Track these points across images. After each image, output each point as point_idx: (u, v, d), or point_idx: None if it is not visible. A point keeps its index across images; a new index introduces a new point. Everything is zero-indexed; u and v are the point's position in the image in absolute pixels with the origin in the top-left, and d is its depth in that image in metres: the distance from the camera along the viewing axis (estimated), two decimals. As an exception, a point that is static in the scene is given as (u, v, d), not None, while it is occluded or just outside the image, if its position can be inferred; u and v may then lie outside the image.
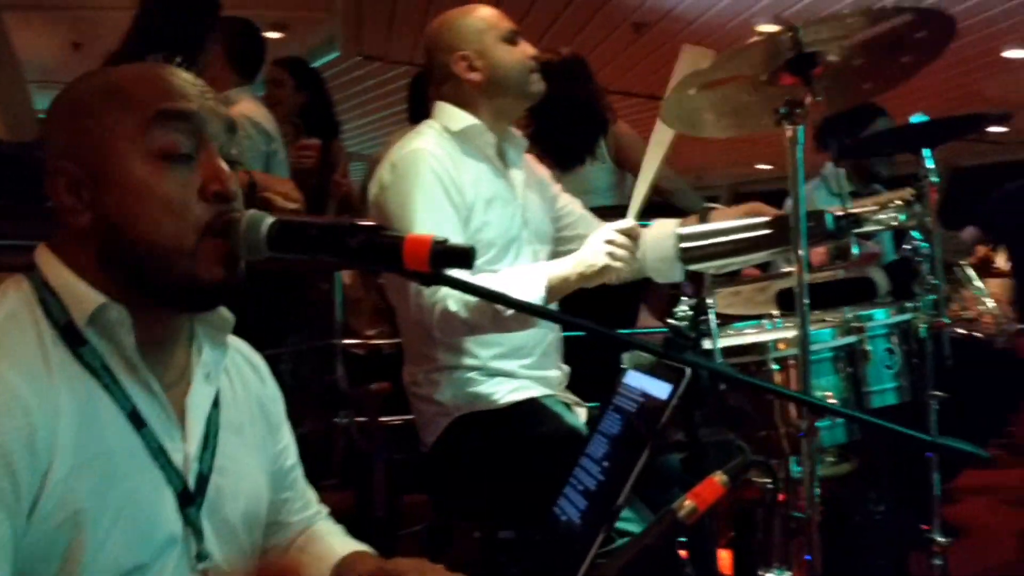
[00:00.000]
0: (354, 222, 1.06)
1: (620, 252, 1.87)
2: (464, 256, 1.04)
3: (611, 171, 3.59)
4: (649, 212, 2.45)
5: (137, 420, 1.07)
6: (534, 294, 1.88)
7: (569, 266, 1.91)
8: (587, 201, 2.55)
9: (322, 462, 2.97)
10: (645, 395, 1.22)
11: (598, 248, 1.89)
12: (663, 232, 2.30)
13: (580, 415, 2.20)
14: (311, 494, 1.43)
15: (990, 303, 3.10)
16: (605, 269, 1.87)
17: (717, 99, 1.82)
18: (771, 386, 1.79)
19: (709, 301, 1.67)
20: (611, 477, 1.18)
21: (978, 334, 3.38)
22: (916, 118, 2.39)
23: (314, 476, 1.44)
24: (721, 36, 5.51)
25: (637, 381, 1.26)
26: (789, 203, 3.64)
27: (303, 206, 3.23)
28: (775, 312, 2.34)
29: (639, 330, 3.53)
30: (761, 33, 5.34)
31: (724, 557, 2.45)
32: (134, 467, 1.06)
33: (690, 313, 1.64)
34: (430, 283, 1.06)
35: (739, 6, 5.03)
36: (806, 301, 1.62)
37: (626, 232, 1.89)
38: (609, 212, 3.47)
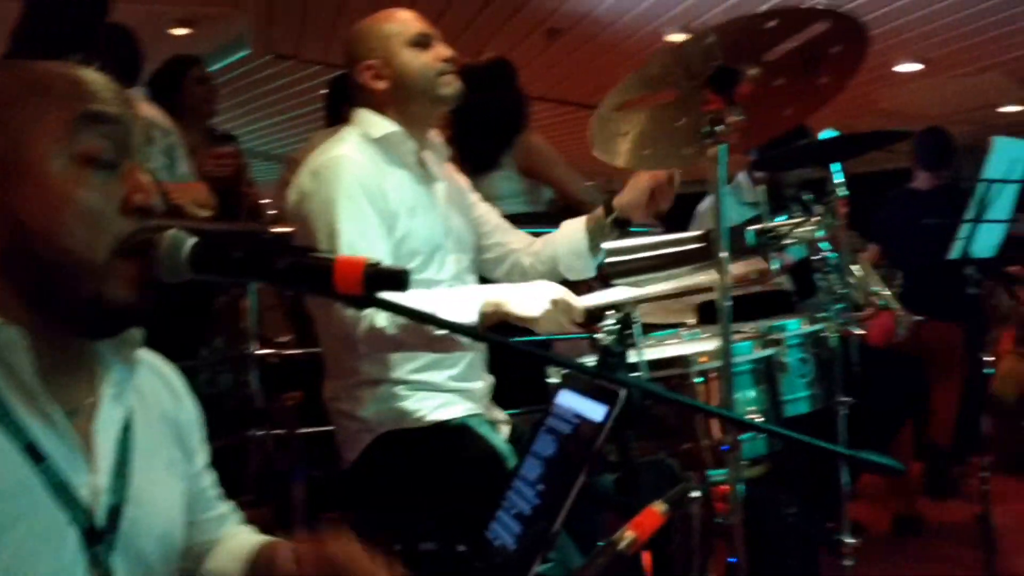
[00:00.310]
0: (282, 241, 1.03)
1: (558, 318, 1.84)
2: (398, 279, 1.02)
3: (516, 178, 3.58)
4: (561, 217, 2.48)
5: (35, 454, 0.98)
6: (467, 318, 1.85)
7: (503, 296, 1.88)
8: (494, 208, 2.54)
9: (236, 477, 2.89)
10: (579, 417, 1.21)
11: (541, 300, 1.85)
12: (574, 228, 2.32)
13: (504, 432, 2.20)
14: (232, 513, 1.38)
15: (891, 300, 3.23)
16: (533, 321, 1.84)
17: (639, 126, 1.83)
18: (702, 405, 1.81)
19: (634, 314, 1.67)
20: (546, 501, 1.17)
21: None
22: (825, 134, 2.47)
23: (228, 492, 1.39)
24: (633, 43, 5.60)
25: (570, 401, 1.26)
26: (702, 206, 3.71)
27: (215, 212, 3.17)
28: (691, 320, 2.38)
29: (562, 336, 3.55)
30: (670, 42, 5.49)
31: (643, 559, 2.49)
32: (30, 507, 0.96)
33: (616, 327, 1.64)
34: (362, 306, 1.04)
35: (650, 15, 5.11)
36: (728, 315, 1.64)
37: (573, 309, 1.85)
38: (523, 219, 3.50)
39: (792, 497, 2.79)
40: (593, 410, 1.18)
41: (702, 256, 1.70)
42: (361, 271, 1.00)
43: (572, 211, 3.94)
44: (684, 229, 3.13)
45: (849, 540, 2.37)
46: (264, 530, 1.35)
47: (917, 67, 5.84)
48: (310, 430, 2.94)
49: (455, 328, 1.24)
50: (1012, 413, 5.56)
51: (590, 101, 7.16)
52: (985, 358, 3.54)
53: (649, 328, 2.28)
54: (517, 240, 2.40)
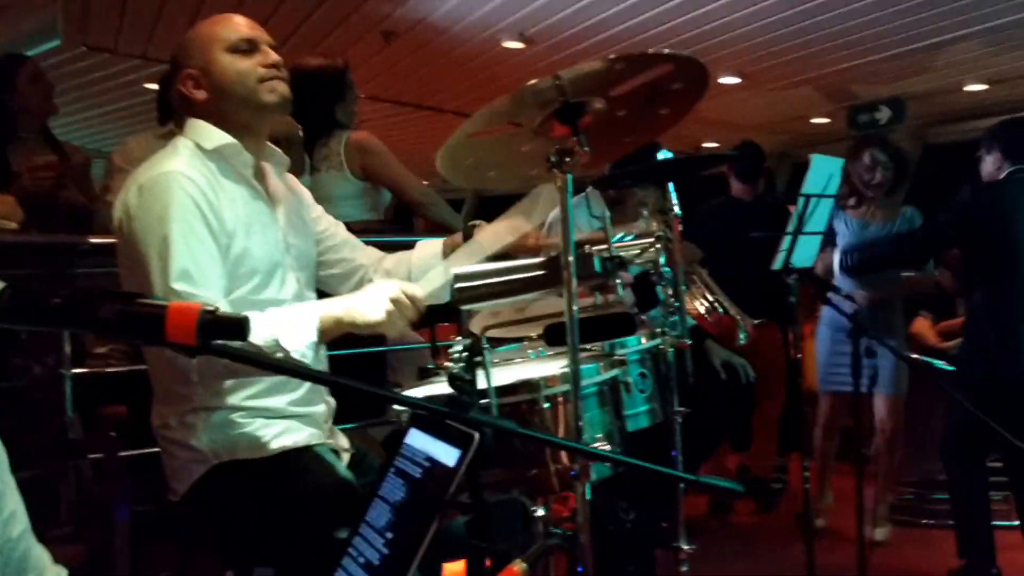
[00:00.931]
0: (103, 291, 0.95)
1: (400, 313, 1.80)
2: (237, 328, 0.96)
3: (351, 180, 3.51)
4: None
5: None
6: (306, 338, 1.77)
7: (341, 309, 1.82)
8: (326, 208, 2.45)
9: (50, 509, 2.67)
10: (431, 460, 1.17)
11: (378, 302, 1.80)
12: (430, 252, 2.27)
13: (345, 459, 2.13)
14: (45, 558, 1.26)
15: (730, 306, 3.36)
16: (379, 325, 1.79)
17: (490, 150, 1.81)
18: (555, 439, 1.80)
19: (484, 341, 1.65)
20: (396, 551, 1.13)
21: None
22: (662, 154, 2.53)
23: (41, 526, 1.26)
24: (468, 49, 5.60)
25: (421, 443, 1.22)
26: (551, 216, 3.75)
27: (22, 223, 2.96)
28: (534, 334, 2.39)
29: (402, 346, 3.50)
30: (508, 49, 5.53)
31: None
32: None
33: (465, 354, 1.62)
34: (196, 355, 0.97)
35: (486, 22, 5.11)
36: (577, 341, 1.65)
37: (412, 297, 1.83)
38: (360, 225, 3.42)
39: (629, 504, 2.85)
40: (445, 453, 1.15)
41: (551, 282, 1.70)
42: (195, 319, 0.94)
43: (410, 213, 3.94)
44: None
45: (686, 547, 2.44)
46: (80, 570, 1.24)
47: (736, 80, 6.12)
48: (134, 452, 2.76)
49: (296, 372, 1.17)
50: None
51: (426, 102, 7.13)
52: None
53: (493, 344, 2.28)
54: (365, 256, 2.33)
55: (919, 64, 5.65)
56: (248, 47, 2.02)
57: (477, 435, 1.10)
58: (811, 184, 3.29)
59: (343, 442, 2.21)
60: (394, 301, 1.80)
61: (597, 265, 1.71)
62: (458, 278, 1.76)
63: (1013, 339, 3.38)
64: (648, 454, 2.50)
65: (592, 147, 1.65)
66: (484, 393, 1.64)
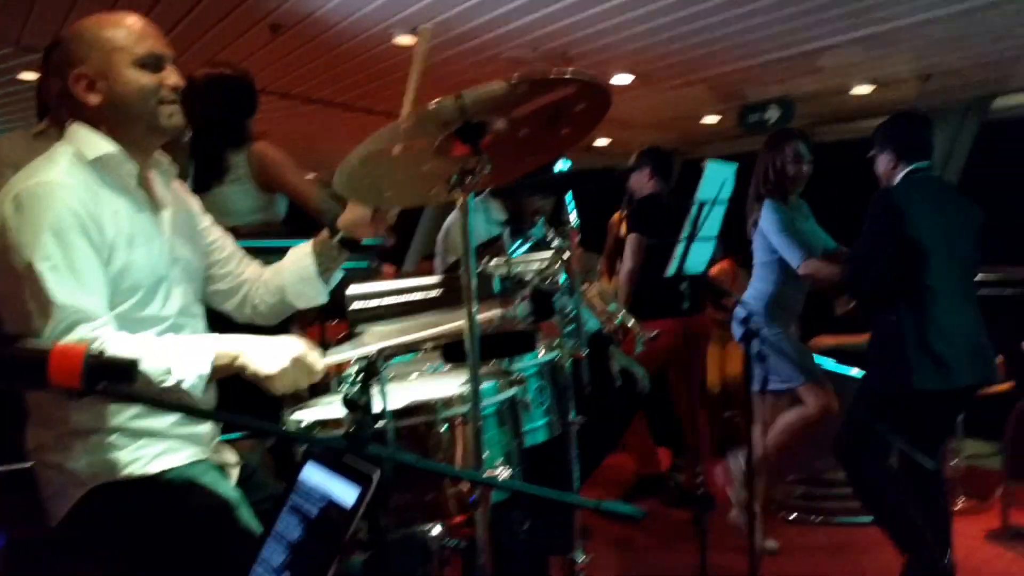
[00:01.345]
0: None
1: (295, 374, 1.73)
2: (125, 371, 0.90)
3: (253, 193, 3.41)
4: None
5: None
6: (197, 369, 1.71)
7: (240, 349, 1.75)
8: (226, 223, 2.39)
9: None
10: (328, 499, 1.13)
11: (278, 356, 1.73)
12: (301, 253, 2.22)
13: (234, 476, 2.05)
14: None
15: (628, 318, 3.39)
16: (269, 379, 1.72)
17: (389, 169, 1.76)
18: (452, 471, 1.77)
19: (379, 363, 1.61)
20: (294, 595, 1.08)
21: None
22: (561, 166, 2.53)
23: None
24: (359, 43, 5.48)
25: (317, 479, 1.17)
26: (449, 220, 3.70)
27: None
28: (431, 344, 2.36)
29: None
30: (400, 45, 5.44)
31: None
32: None
33: (360, 376, 1.57)
34: (81, 397, 0.91)
35: (378, 16, 5.02)
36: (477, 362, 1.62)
37: (314, 369, 1.75)
38: (257, 229, 3.32)
39: (524, 513, 2.85)
40: (343, 492, 1.11)
41: (447, 301, 1.67)
42: (80, 363, 0.88)
43: (311, 219, 3.85)
44: None
45: (581, 557, 2.45)
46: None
47: (630, 79, 6.18)
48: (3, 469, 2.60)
49: (191, 411, 1.11)
50: (717, 403, 6.10)
51: (315, 95, 6.97)
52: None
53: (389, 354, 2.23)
54: (251, 271, 2.26)
55: (807, 66, 5.80)
56: (155, 63, 1.93)
57: (376, 474, 1.06)
58: (705, 190, 3.34)
59: (230, 457, 2.14)
60: (295, 360, 1.74)
61: (496, 285, 1.69)
62: (352, 298, 1.71)
63: (923, 349, 3.32)
64: (545, 464, 2.53)
65: (493, 165, 1.63)
66: (380, 416, 1.60)
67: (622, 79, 6.18)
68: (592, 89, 1.60)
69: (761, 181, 4.14)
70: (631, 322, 3.06)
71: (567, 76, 1.53)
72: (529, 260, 2.09)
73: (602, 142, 9.01)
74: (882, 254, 3.38)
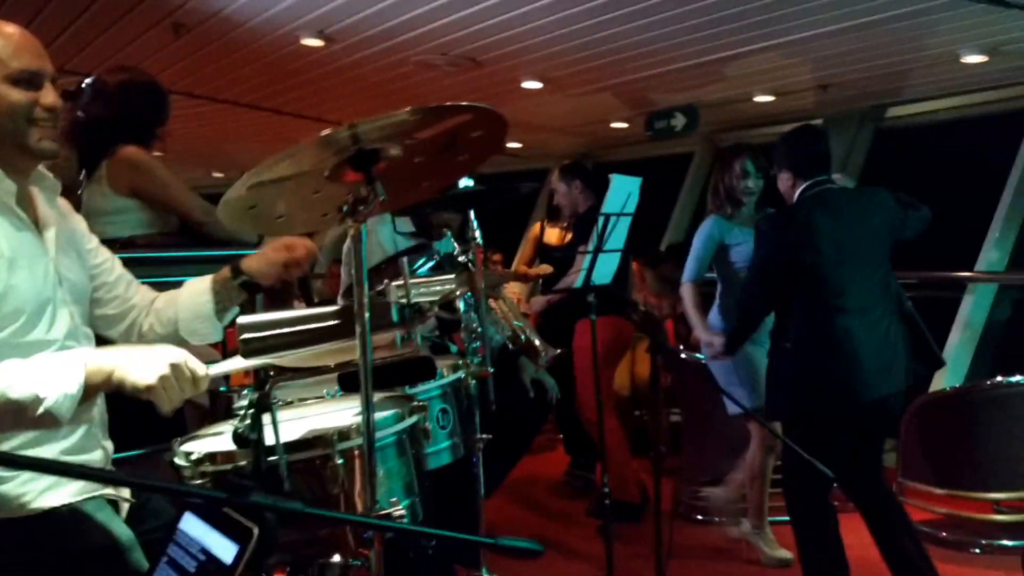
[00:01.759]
0: None
1: (176, 384, 1.62)
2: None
3: (108, 195, 3.22)
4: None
5: None
6: (64, 388, 1.61)
7: (113, 361, 1.65)
8: (90, 225, 2.26)
9: None
10: (206, 552, 1.08)
11: (155, 365, 1.62)
12: (198, 289, 2.13)
13: (125, 508, 1.97)
14: None
15: (531, 333, 3.40)
16: (149, 391, 1.60)
17: (277, 194, 1.71)
18: (353, 518, 1.71)
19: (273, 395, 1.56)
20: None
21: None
22: (463, 183, 2.51)
23: None
24: (266, 44, 5.36)
25: (197, 531, 1.12)
26: (347, 244, 3.63)
27: None
28: (331, 363, 2.31)
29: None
30: (308, 47, 5.34)
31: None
32: None
33: (250, 411, 1.52)
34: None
35: (284, 18, 4.92)
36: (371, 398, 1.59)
37: (197, 376, 1.65)
38: (145, 240, 3.20)
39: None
40: (222, 547, 1.06)
41: (344, 332, 1.62)
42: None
43: (194, 231, 3.71)
44: None
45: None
46: None
47: (539, 85, 6.20)
48: None
49: (55, 468, 1.04)
50: (627, 404, 6.17)
51: (222, 96, 6.80)
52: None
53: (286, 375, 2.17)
54: (140, 297, 2.16)
55: (712, 75, 5.91)
56: (32, 79, 1.83)
57: (256, 530, 1.02)
58: (611, 203, 3.36)
59: (123, 491, 2.04)
60: (173, 367, 1.62)
61: (395, 314, 1.66)
62: (244, 328, 1.65)
63: (831, 368, 3.29)
64: (451, 480, 2.51)
65: (388, 191, 1.59)
66: (272, 450, 1.55)
67: (531, 85, 6.21)
68: (488, 117, 1.58)
69: (711, 196, 4.24)
70: (536, 340, 3.07)
71: (463, 104, 1.51)
72: (431, 284, 2.06)
73: (514, 145, 9.04)
74: (768, 294, 3.43)
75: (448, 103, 1.46)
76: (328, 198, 1.65)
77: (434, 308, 1.90)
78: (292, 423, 1.84)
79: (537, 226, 5.77)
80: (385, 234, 3.38)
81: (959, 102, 6.49)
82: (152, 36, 5.21)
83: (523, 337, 3.18)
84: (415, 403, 1.87)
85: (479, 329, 2.52)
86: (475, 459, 2.48)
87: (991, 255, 6.10)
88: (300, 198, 1.72)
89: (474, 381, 2.34)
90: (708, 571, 4.20)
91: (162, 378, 1.60)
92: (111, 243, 2.38)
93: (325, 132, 1.47)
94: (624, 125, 7.83)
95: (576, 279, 4.48)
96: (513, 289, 5.85)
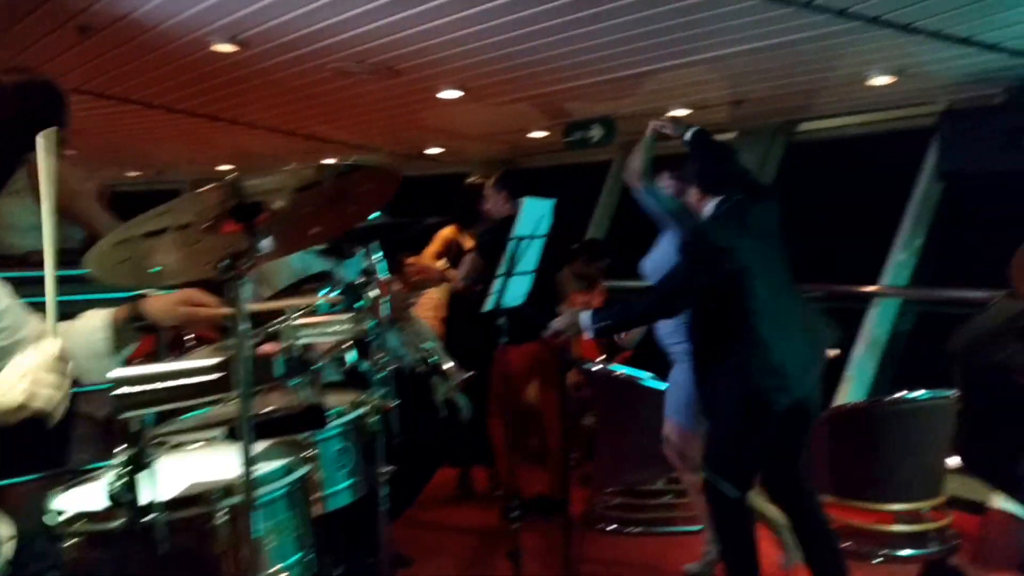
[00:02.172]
0: None
1: (44, 387, 1.49)
2: None
3: (32, 208, 3.10)
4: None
5: None
6: None
7: None
8: (7, 238, 2.14)
9: None
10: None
11: (13, 380, 1.49)
12: (94, 326, 2.02)
13: (7, 551, 1.87)
14: None
15: (443, 356, 3.37)
16: (23, 409, 1.49)
17: (152, 246, 1.64)
18: None
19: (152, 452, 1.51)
20: None
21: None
22: (372, 217, 2.46)
23: None
24: (177, 48, 5.22)
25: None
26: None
27: None
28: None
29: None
30: (219, 52, 5.22)
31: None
32: None
33: (127, 468, 1.46)
34: None
35: (196, 23, 4.78)
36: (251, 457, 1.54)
37: (54, 358, 1.52)
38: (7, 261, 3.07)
39: (338, 558, 2.79)
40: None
41: (223, 387, 1.57)
42: None
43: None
44: None
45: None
46: None
47: (458, 94, 6.17)
48: None
49: None
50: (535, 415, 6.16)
51: (134, 96, 6.61)
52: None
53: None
54: (30, 328, 2.06)
55: (629, 89, 5.95)
56: None
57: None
58: (523, 226, 3.35)
59: (4, 531, 1.95)
60: (34, 372, 1.48)
61: (279, 367, 1.61)
62: (118, 382, 1.57)
63: (759, 376, 3.33)
64: (352, 513, 2.47)
65: (275, 237, 1.55)
66: (149, 509, 1.49)
67: (451, 94, 6.18)
68: (379, 172, 1.55)
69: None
70: (447, 363, 3.05)
71: (351, 162, 1.47)
72: (327, 324, 2.00)
73: (434, 151, 8.99)
74: (694, 286, 3.44)
75: (335, 160, 1.43)
76: (210, 248, 1.59)
77: (323, 358, 1.86)
78: (176, 472, 1.77)
79: (452, 228, 5.68)
80: (298, 255, 3.31)
81: (867, 119, 6.65)
82: (56, 38, 5.04)
83: (431, 360, 3.15)
84: (306, 452, 1.82)
85: (383, 361, 2.49)
86: (377, 496, 2.44)
87: (896, 269, 6.28)
88: (179, 249, 1.65)
89: (376, 420, 2.30)
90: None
91: (28, 392, 1.48)
92: (3, 260, 2.26)
93: (205, 188, 1.42)
94: (544, 134, 7.86)
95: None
96: (432, 295, 5.80)
